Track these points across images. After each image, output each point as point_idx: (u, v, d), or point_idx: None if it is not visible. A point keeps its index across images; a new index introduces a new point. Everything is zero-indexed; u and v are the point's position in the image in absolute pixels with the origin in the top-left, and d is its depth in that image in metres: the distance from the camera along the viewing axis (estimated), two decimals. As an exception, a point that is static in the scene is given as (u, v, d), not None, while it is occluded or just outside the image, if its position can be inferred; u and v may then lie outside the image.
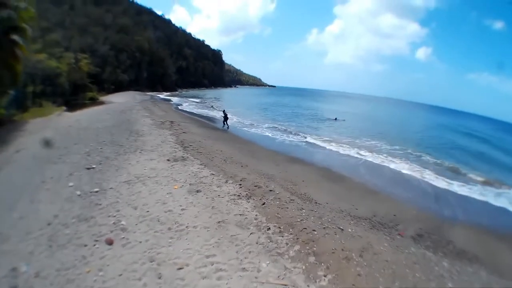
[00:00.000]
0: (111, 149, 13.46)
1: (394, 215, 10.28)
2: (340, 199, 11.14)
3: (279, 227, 8.00)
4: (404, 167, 18.62)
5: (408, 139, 30.44)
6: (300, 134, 26.82)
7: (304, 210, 9.39)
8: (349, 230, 8.45)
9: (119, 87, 52.37)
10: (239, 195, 9.97)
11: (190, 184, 10.37)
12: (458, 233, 9.79)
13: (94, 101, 34.49)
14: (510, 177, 19.63)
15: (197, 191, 9.85)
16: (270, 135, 25.68)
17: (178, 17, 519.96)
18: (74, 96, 32.11)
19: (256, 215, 8.63)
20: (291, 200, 10.20)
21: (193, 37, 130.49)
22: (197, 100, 55.31)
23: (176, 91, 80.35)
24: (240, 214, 8.55)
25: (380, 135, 30.12)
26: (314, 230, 8.06)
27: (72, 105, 28.57)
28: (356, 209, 10.38)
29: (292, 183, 12.23)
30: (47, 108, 24.77)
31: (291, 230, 7.95)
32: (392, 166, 18.80)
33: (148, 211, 8.03)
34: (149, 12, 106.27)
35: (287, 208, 9.41)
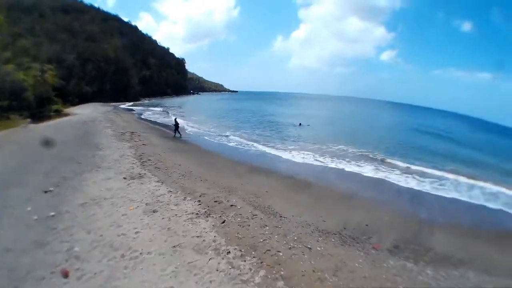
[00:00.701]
0: (70, 167, 12.71)
1: (366, 225, 9.55)
2: (306, 211, 10.31)
3: (240, 250, 7.22)
4: (372, 171, 17.97)
5: (375, 141, 30.00)
6: (263, 142, 25.74)
7: (267, 227, 8.55)
8: (318, 248, 7.66)
9: (83, 100, 51.90)
10: (197, 213, 9.16)
11: (146, 204, 9.56)
12: (437, 239, 9.28)
13: (59, 113, 34.69)
14: (477, 171, 19.98)
15: (153, 211, 9.07)
16: (231, 144, 24.52)
17: (144, 24, 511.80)
18: (40, 108, 32.25)
19: (215, 236, 7.83)
20: (254, 215, 9.36)
21: (159, 45, 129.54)
22: (160, 109, 53.97)
23: (139, 100, 78.95)
24: (198, 236, 7.74)
25: (346, 139, 29.56)
26: (279, 252, 7.26)
27: (38, 117, 28.74)
28: (324, 221, 9.56)
29: (255, 196, 11.34)
30: (14, 121, 25.22)
31: (253, 252, 7.15)
32: (359, 170, 18.04)
33: (101, 235, 7.37)
34: (116, 19, 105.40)
35: (249, 225, 8.57)
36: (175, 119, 26.55)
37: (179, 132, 25.36)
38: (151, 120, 36.33)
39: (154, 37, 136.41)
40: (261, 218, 9.17)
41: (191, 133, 27.97)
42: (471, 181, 16.84)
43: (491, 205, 13.65)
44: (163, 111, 51.32)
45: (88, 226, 7.81)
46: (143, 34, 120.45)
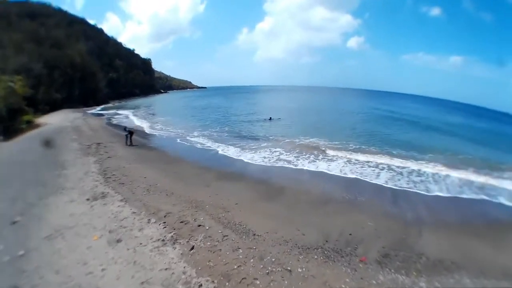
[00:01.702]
0: (35, 191, 11.88)
1: (350, 234, 8.79)
2: (282, 224, 9.43)
3: (213, 281, 6.37)
4: (346, 166, 17.06)
5: (345, 132, 29.55)
6: (232, 142, 24.56)
7: (240, 250, 7.65)
8: (299, 270, 6.83)
9: (53, 107, 49.91)
10: (163, 240, 8.21)
11: (109, 232, 8.70)
12: (427, 241, 8.70)
13: (30, 124, 32.76)
14: (454, 159, 19.25)
15: (117, 241, 8.20)
16: (199, 146, 23.44)
17: (111, 25, 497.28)
18: (12, 121, 30.18)
19: (184, 267, 6.94)
20: (224, 236, 8.42)
21: (124, 47, 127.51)
22: (128, 112, 52.67)
23: (109, 103, 77.12)
24: (166, 269, 6.87)
25: (317, 131, 28.76)
26: (256, 279, 6.43)
27: (10, 131, 27.13)
28: (303, 234, 8.70)
29: (224, 210, 10.38)
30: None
31: (227, 283, 6.32)
32: (332, 167, 16.95)
33: (69, 276, 6.68)
34: (82, 22, 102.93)
35: (220, 250, 7.65)
36: (125, 128, 26.23)
37: (130, 140, 24.48)
38: (119, 126, 34.82)
39: (119, 39, 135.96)
40: (233, 239, 8.26)
41: (163, 136, 27.36)
42: (449, 172, 16.32)
43: (473, 195, 13.36)
44: (131, 113, 49.97)
45: (56, 264, 7.13)
46: (108, 37, 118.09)
